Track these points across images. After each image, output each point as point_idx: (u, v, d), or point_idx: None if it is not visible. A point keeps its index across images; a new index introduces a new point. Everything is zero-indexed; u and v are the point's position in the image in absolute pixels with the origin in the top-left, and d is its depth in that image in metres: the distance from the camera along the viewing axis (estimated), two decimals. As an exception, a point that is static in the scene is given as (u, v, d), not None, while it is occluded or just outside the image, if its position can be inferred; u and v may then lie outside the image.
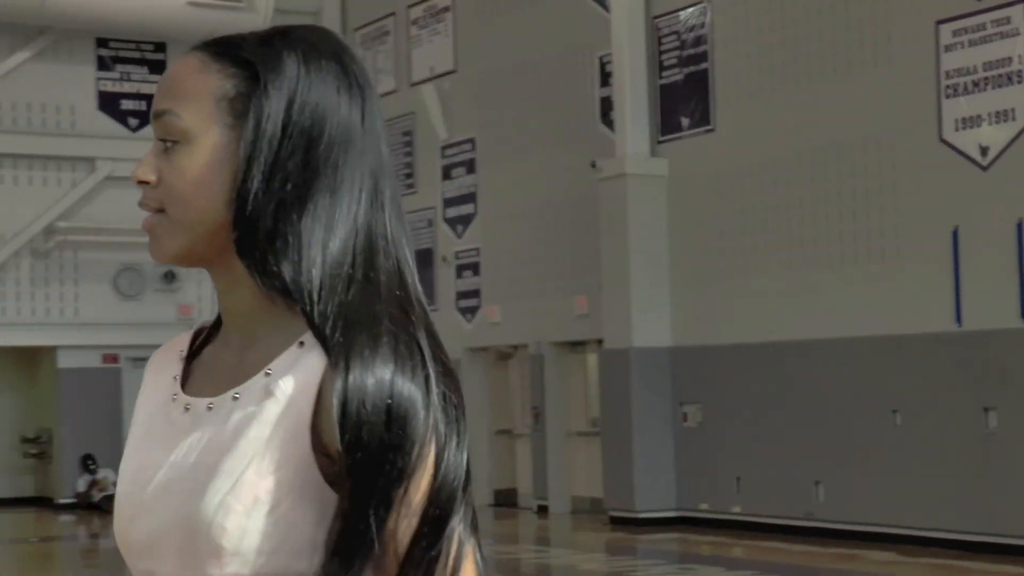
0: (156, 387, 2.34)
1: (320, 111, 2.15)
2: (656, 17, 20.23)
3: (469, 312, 24.34)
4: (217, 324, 2.37)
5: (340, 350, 2.04)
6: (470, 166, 24.63)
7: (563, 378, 22.73)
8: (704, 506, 19.65)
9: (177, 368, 2.33)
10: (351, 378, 2.04)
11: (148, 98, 26.89)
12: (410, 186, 26.07)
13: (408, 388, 2.05)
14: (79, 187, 27.79)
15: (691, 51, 20.03)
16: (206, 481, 2.09)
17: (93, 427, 27.68)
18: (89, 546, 23.27)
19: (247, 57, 2.15)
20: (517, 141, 23.06)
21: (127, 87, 28.38)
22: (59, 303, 28.17)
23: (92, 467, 27.34)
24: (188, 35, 25.79)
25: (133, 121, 28.28)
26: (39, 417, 29.11)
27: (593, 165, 20.18)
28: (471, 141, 24.49)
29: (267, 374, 2.10)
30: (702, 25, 19.83)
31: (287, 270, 2.09)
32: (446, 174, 25.02)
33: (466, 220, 24.59)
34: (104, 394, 27.98)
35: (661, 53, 20.37)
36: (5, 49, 27.31)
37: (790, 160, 18.44)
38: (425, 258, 25.58)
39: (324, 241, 2.11)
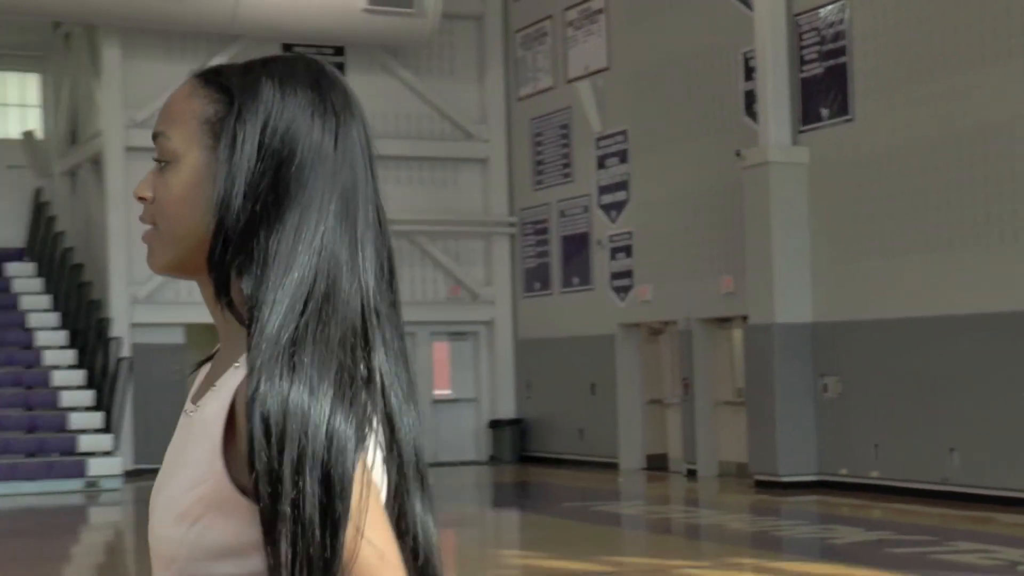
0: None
1: (292, 135, 2.12)
2: (797, 15, 20.33)
3: (623, 291, 24.51)
4: None
5: (259, 373, 1.97)
6: (623, 156, 24.80)
7: (710, 352, 22.87)
8: (843, 471, 19.66)
9: (198, 377, 2.37)
10: (258, 401, 1.98)
11: None
12: (567, 175, 26.37)
13: (320, 415, 1.99)
14: None
15: (830, 46, 20.01)
16: (159, 491, 2.15)
17: None
18: None
19: (227, 84, 2.15)
20: (666, 132, 23.22)
21: None
22: None
23: None
24: (364, 39, 27.95)
25: None
26: None
27: (738, 154, 20.20)
28: (623, 133, 24.66)
29: (213, 389, 2.13)
30: (841, 21, 19.83)
31: (247, 285, 2.07)
32: (600, 164, 25.23)
33: (619, 206, 24.79)
34: None
35: (802, 48, 20.38)
36: (202, 55, 27.15)
37: (925, 147, 18.50)
38: (581, 241, 26.10)
39: (288, 259, 2.06)
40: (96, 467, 24.61)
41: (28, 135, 30.48)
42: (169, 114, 2.16)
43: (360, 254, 2.08)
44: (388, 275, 2.12)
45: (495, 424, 28.31)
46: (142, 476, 25.14)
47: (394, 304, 2.11)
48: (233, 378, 2.03)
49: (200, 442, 2.06)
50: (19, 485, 23.94)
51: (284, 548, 1.91)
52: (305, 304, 2.00)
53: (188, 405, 2.23)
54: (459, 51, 28.80)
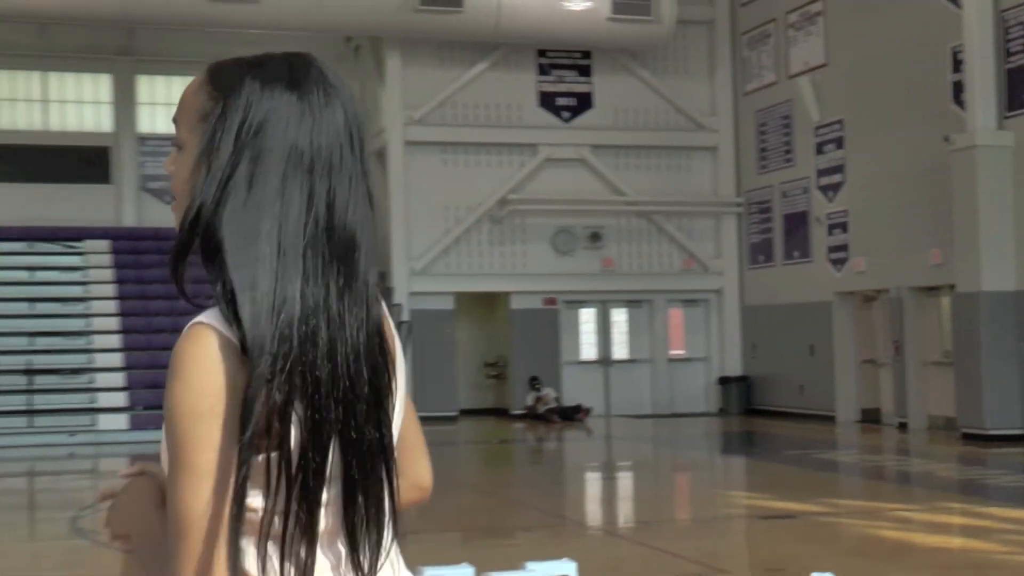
0: None
1: (265, 130, 2.13)
2: (1004, 11, 20.12)
3: (839, 263, 24.76)
4: None
5: (190, 327, 2.08)
6: (839, 143, 25.00)
7: (919, 317, 22.87)
8: (1046, 426, 19.39)
9: None
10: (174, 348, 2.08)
11: (578, 96, 28.79)
12: (788, 160, 26.78)
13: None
14: (525, 167, 28.11)
15: (1037, 38, 19.89)
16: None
17: (537, 355, 28.05)
18: (535, 447, 23.63)
19: (218, 83, 2.17)
20: (879, 120, 23.32)
21: (561, 87, 28.49)
22: (511, 258, 28.37)
23: (537, 385, 27.60)
24: (607, 44, 28.25)
25: (566, 114, 28.41)
26: (497, 346, 29.55)
27: (946, 139, 20.26)
28: (840, 122, 24.86)
29: None
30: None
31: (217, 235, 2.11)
32: (819, 150, 25.49)
33: (836, 187, 25.02)
34: (545, 329, 28.35)
35: (1007, 41, 20.37)
36: (467, 62, 28.09)
37: None
38: (801, 219, 26.45)
39: (253, 231, 2.08)
40: None
41: None
42: (181, 105, 2.24)
43: (319, 230, 2.09)
44: (322, 230, 2.08)
45: (724, 380, 28.47)
46: (421, 420, 26.36)
47: (323, 253, 2.06)
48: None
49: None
50: None
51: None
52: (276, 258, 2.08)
53: None
54: (691, 52, 28.86)
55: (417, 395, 25.71)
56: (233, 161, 2.09)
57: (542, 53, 28.15)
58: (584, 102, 28.53)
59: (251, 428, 1.99)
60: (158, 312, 27.13)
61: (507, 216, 28.03)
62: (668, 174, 28.80)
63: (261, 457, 2.01)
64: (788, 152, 26.66)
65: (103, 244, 29.29)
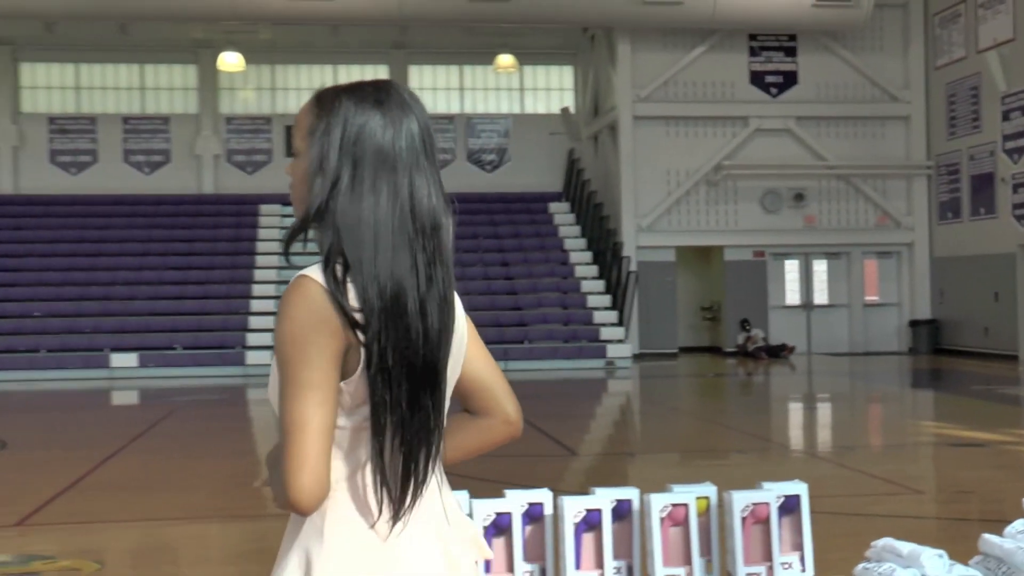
0: None
1: (361, 138, 2.31)
2: None
3: (1022, 219, 24.38)
4: None
5: (296, 278, 2.28)
6: (1024, 110, 24.43)
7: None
8: None
9: None
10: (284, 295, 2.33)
11: (784, 73, 28.55)
12: (976, 127, 26.42)
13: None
14: (737, 137, 28.14)
15: None
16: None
17: (747, 300, 28.21)
18: (744, 381, 22.97)
19: (322, 104, 2.36)
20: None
21: (769, 66, 28.39)
22: (725, 216, 28.37)
23: (747, 327, 27.73)
24: (811, 27, 28.00)
25: (773, 90, 28.35)
26: (712, 293, 29.51)
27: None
28: (1024, 91, 24.31)
29: None
30: None
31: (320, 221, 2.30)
32: (1005, 116, 25.10)
33: (1021, 150, 24.67)
34: (754, 278, 28.42)
35: None
36: (687, 46, 28.30)
37: None
38: (987, 179, 26.13)
39: (356, 218, 2.26)
40: (612, 351, 25.27)
41: (565, 111, 31.44)
42: (296, 122, 2.41)
43: (400, 215, 2.26)
44: (407, 215, 2.26)
45: (914, 323, 28.27)
46: (644, 358, 26.68)
47: (408, 233, 2.24)
48: None
49: None
50: (559, 363, 24.91)
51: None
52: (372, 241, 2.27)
53: None
54: (887, 32, 28.55)
55: (642, 334, 27.92)
56: (338, 166, 2.28)
57: (753, 37, 28.23)
58: (790, 79, 28.46)
59: (368, 362, 2.21)
60: None
61: (721, 180, 28.13)
62: (864, 141, 28.55)
63: (347, 382, 2.22)
64: (976, 120, 26.40)
65: None
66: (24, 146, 30.53)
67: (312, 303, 2.18)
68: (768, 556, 3.14)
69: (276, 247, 28.29)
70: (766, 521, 3.14)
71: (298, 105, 29.21)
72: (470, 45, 30.85)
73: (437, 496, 2.33)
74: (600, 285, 27.47)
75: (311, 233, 2.30)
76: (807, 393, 20.40)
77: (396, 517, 2.22)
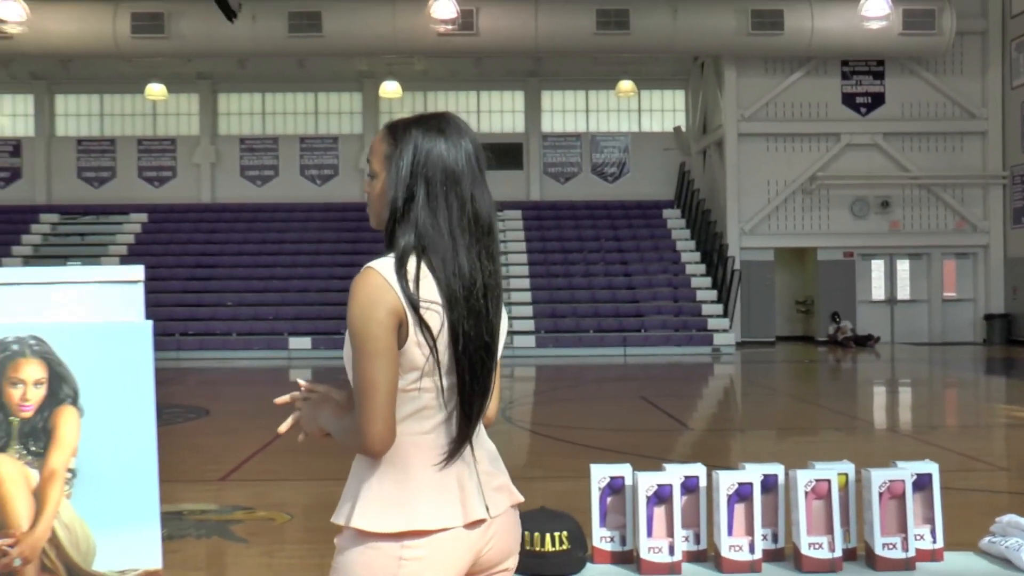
0: None
1: (429, 160, 2.35)
2: None
3: None
4: None
5: (363, 271, 2.34)
6: None
7: None
8: None
9: None
10: (352, 284, 2.37)
11: (872, 95, 28.60)
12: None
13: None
14: (830, 152, 28.15)
15: None
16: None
17: (837, 295, 28.06)
18: (834, 367, 22.19)
19: (394, 135, 2.41)
20: None
21: (859, 88, 28.26)
22: (818, 221, 28.33)
23: (837, 319, 27.66)
24: (898, 53, 27.75)
25: (863, 109, 28.17)
26: (806, 288, 29.49)
27: None
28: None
29: None
30: None
31: (397, 228, 2.37)
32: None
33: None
34: (844, 275, 28.25)
35: None
36: (786, 71, 28.34)
37: None
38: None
39: (432, 223, 2.33)
40: (718, 339, 25.22)
41: (677, 129, 31.50)
42: (372, 150, 2.47)
43: (466, 224, 2.35)
44: (471, 221, 2.35)
45: (988, 317, 28.06)
46: (745, 345, 26.67)
47: (473, 234, 2.34)
48: None
49: None
50: (670, 349, 24.82)
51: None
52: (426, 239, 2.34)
53: None
54: (967, 57, 28.30)
55: (744, 325, 27.86)
56: (412, 183, 2.35)
57: (845, 63, 28.13)
58: (878, 99, 28.29)
59: (452, 337, 2.30)
60: (553, 262, 28.28)
61: (815, 189, 28.10)
62: (944, 154, 28.34)
63: (414, 350, 2.29)
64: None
65: (516, 213, 30.14)
66: (220, 163, 31.77)
67: (374, 289, 2.27)
68: (903, 528, 3.05)
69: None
70: (901, 497, 3.06)
71: (447, 127, 30.65)
72: (595, 73, 31.04)
73: (469, 450, 2.39)
74: (707, 281, 27.42)
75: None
76: (890, 378, 20.11)
77: (445, 461, 2.32)
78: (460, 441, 2.33)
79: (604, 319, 26.26)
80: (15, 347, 3.04)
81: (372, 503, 2.32)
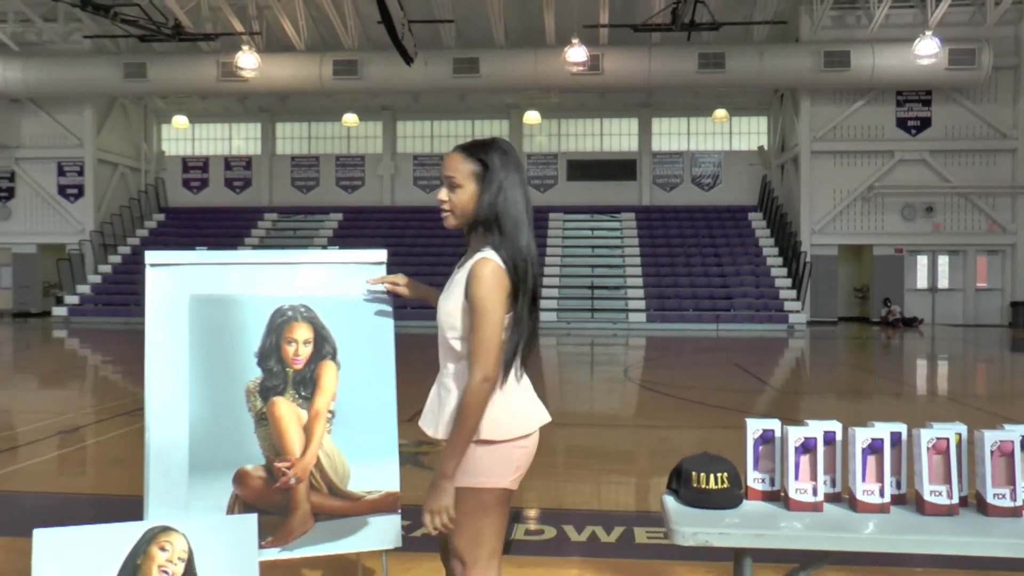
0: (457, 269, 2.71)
1: (507, 178, 2.46)
2: None
3: None
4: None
5: (480, 260, 2.45)
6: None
7: None
8: None
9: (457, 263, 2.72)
10: (473, 267, 2.48)
11: (921, 119, 27.59)
12: None
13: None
14: (885, 166, 27.28)
15: None
16: (444, 300, 2.60)
17: (889, 284, 27.41)
18: (886, 343, 21.06)
19: (480, 156, 2.49)
20: None
21: (910, 113, 27.25)
22: (873, 223, 27.44)
23: (888, 303, 26.97)
24: (944, 85, 26.70)
25: (913, 131, 27.20)
26: (863, 278, 28.70)
27: None
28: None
29: (470, 261, 2.55)
30: None
31: (488, 228, 2.50)
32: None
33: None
34: (894, 268, 27.38)
35: None
36: (851, 100, 27.49)
37: None
38: None
39: (511, 222, 2.46)
40: (792, 318, 24.95)
41: (760, 148, 31.12)
42: (453, 166, 2.53)
43: (526, 222, 2.50)
44: (530, 215, 2.50)
45: (1014, 304, 27.07)
46: (813, 324, 26.24)
47: (530, 225, 2.50)
48: (475, 259, 2.53)
49: (460, 283, 2.56)
50: (754, 326, 24.61)
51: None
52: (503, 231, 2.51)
53: (456, 271, 2.66)
54: (1000, 87, 27.19)
55: (812, 307, 27.49)
56: (496, 191, 2.48)
57: (899, 93, 27.38)
58: (925, 123, 27.42)
59: (520, 301, 2.46)
60: (660, 254, 28.17)
61: (872, 196, 27.42)
62: (980, 168, 27.26)
63: (508, 316, 2.46)
64: None
65: (631, 215, 30.27)
66: (398, 174, 32.45)
67: (495, 270, 2.43)
68: (1011, 481, 2.89)
69: (561, 242, 29.30)
70: (1010, 454, 2.88)
71: (577, 146, 30.18)
72: (695, 103, 31.22)
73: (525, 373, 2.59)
74: (783, 272, 27.14)
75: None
76: (930, 353, 19.32)
77: (519, 375, 2.53)
78: (525, 363, 2.53)
79: (700, 300, 26.32)
80: (289, 313, 3.09)
81: (492, 418, 2.45)
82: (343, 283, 3.14)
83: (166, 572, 2.72)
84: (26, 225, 29.97)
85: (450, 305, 2.51)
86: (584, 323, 25.15)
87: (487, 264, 2.42)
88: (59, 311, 27.07)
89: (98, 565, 2.64)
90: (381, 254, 3.22)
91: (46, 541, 2.63)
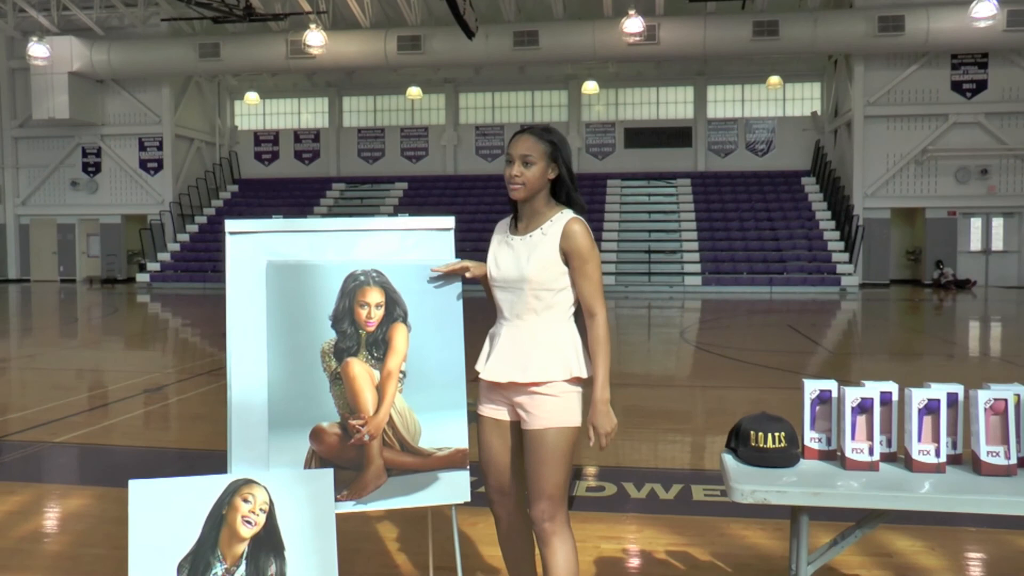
0: (500, 232, 2.94)
1: (567, 155, 2.73)
2: None
3: None
4: (512, 217, 2.91)
5: (572, 219, 2.72)
6: None
7: None
8: None
9: (507, 227, 2.92)
10: (568, 227, 2.72)
11: (976, 81, 26.73)
12: None
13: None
14: (938, 129, 26.54)
15: None
16: (525, 260, 2.74)
17: (942, 246, 26.85)
18: (938, 304, 20.71)
19: (549, 139, 2.72)
20: None
21: (965, 76, 26.33)
22: (927, 186, 26.77)
23: (941, 266, 26.43)
24: (1001, 46, 25.86)
25: (968, 94, 26.34)
26: (915, 240, 28.06)
27: None
28: None
29: (546, 224, 2.75)
30: None
31: (570, 198, 2.78)
32: None
33: None
34: (947, 230, 26.86)
35: None
36: (905, 64, 26.67)
37: None
38: None
39: (575, 190, 2.76)
40: (844, 281, 24.61)
41: (814, 114, 30.48)
42: (528, 145, 2.73)
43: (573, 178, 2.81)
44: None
45: None
46: (865, 287, 25.88)
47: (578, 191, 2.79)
48: (561, 220, 2.77)
49: (546, 243, 2.73)
50: (806, 288, 24.35)
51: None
52: (571, 195, 2.81)
53: (515, 237, 2.84)
54: None
55: (864, 270, 26.87)
56: (565, 166, 2.75)
57: (954, 56, 26.66)
58: (981, 85, 26.61)
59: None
60: (714, 219, 27.99)
61: (926, 160, 26.83)
62: None
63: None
64: None
65: (686, 181, 30.04)
66: (460, 145, 32.59)
67: (585, 226, 2.73)
68: None
69: (619, 208, 29.19)
70: None
71: (634, 115, 29.85)
72: (749, 70, 30.78)
73: None
74: (836, 235, 26.77)
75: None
76: (983, 315, 19.03)
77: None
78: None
79: (754, 263, 26.16)
80: (362, 278, 3.13)
81: (578, 359, 2.68)
82: (413, 249, 3.16)
83: (249, 522, 2.82)
84: (112, 197, 30.81)
85: (538, 265, 2.67)
86: (641, 286, 25.21)
87: (578, 222, 2.67)
88: (142, 277, 27.89)
89: (187, 514, 2.77)
90: (449, 221, 3.23)
91: (141, 491, 2.77)
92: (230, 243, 3.13)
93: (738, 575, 3.79)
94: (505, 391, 2.81)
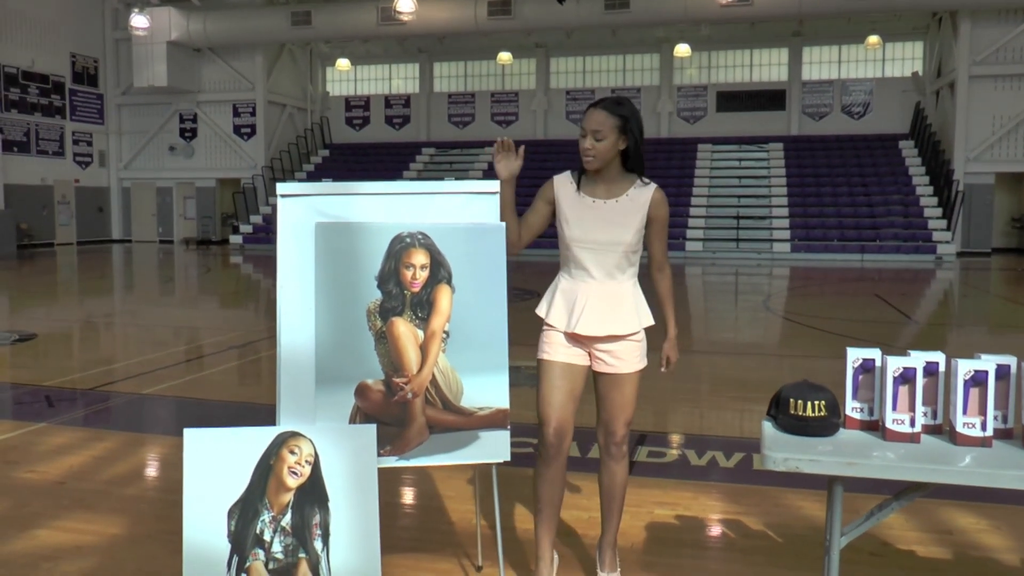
0: (567, 192, 3.07)
1: (636, 126, 2.86)
2: None
3: None
4: (579, 177, 3.09)
5: (656, 189, 2.96)
6: None
7: None
8: None
9: (572, 185, 3.06)
10: (656, 196, 2.97)
11: None
12: None
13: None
14: None
15: None
16: (620, 224, 2.95)
17: None
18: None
19: (620, 113, 2.87)
20: None
21: None
22: None
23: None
24: None
25: None
26: (1021, 207, 26.95)
27: None
28: None
29: (631, 191, 2.96)
30: None
31: (636, 168, 2.96)
32: None
33: None
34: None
35: None
36: (1015, 22, 25.56)
37: None
38: None
39: (638, 159, 2.94)
40: (941, 249, 24.11)
41: (914, 74, 29.63)
42: (599, 120, 2.91)
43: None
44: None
45: None
46: (963, 256, 25.11)
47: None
48: (647, 190, 3.00)
49: (636, 210, 2.98)
50: (901, 256, 23.68)
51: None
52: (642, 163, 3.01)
53: (597, 200, 3.02)
54: None
55: (964, 237, 25.94)
56: (637, 139, 2.89)
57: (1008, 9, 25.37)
58: None
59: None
60: (806, 184, 27.54)
61: None
62: None
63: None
64: None
65: (779, 145, 29.52)
66: (550, 109, 32.76)
67: (663, 195, 3.01)
68: None
69: (709, 172, 28.88)
70: None
71: (726, 78, 29.36)
72: (847, 30, 30.17)
73: None
74: (934, 201, 26.05)
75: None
76: None
77: None
78: None
79: (846, 230, 25.64)
80: (408, 240, 3.21)
81: (647, 310, 3.02)
82: (458, 212, 3.22)
83: (295, 472, 2.94)
84: (207, 162, 31.94)
85: (635, 230, 2.95)
86: (729, 253, 25.13)
87: (660, 191, 2.95)
88: (235, 239, 28.99)
89: (237, 462, 2.92)
90: (494, 184, 3.28)
91: (195, 440, 2.93)
92: (281, 205, 3.23)
93: (788, 545, 3.79)
94: (591, 341, 3.05)
